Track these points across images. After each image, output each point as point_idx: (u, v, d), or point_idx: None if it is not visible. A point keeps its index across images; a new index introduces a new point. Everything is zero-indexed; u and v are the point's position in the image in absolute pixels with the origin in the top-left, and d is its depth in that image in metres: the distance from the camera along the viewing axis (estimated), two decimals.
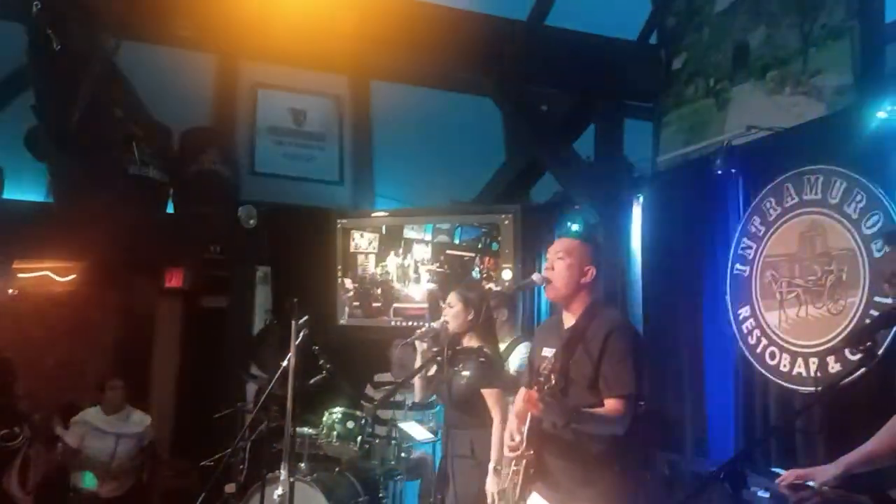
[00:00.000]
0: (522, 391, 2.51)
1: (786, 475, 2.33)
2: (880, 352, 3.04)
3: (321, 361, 3.92)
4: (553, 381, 2.43)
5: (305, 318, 3.43)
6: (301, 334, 3.37)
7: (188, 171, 5.89)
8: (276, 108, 7.02)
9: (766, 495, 2.10)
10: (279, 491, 2.66)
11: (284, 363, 3.21)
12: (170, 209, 5.94)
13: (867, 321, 3.07)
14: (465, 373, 3.11)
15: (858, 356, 2.12)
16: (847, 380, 3.11)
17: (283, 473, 2.70)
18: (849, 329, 3.23)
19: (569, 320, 2.72)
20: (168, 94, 6.17)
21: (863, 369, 2.15)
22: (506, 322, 4.22)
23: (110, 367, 5.70)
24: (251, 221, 5.72)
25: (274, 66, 6.90)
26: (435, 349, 3.25)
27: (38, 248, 5.55)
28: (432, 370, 3.47)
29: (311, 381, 3.85)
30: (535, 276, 2.87)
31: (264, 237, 5.85)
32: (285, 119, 7.03)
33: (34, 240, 5.33)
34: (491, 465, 3.17)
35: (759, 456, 3.55)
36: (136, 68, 5.95)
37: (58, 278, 5.87)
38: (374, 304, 5.87)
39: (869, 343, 2.10)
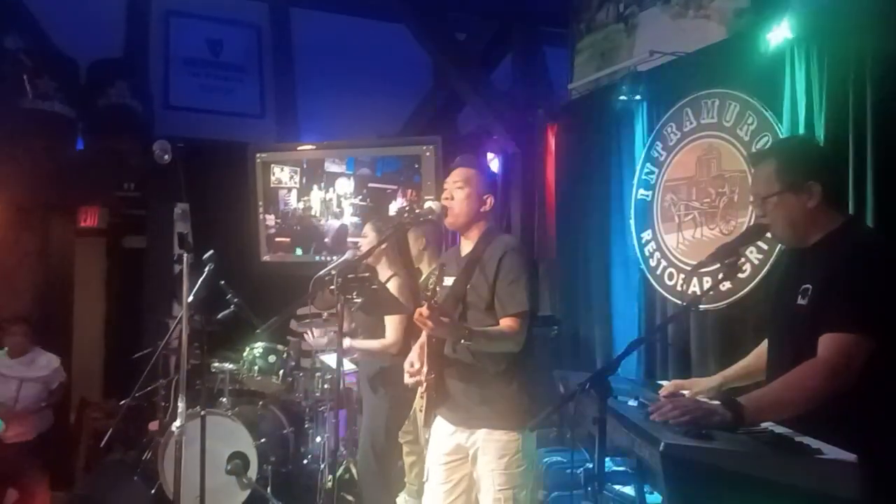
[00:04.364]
0: (416, 311, 2.54)
1: (667, 385, 2.44)
2: (762, 273, 3.19)
3: (228, 296, 3.90)
4: (438, 294, 2.46)
5: (210, 252, 3.40)
6: (206, 269, 3.34)
7: (97, 105, 5.65)
8: (191, 38, 6.74)
9: (635, 403, 2.19)
10: (177, 423, 2.68)
11: (189, 299, 3.18)
12: (81, 146, 5.73)
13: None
14: (357, 300, 3.15)
15: (723, 271, 2.20)
16: (734, 298, 3.30)
17: (181, 406, 2.72)
18: None
19: (467, 247, 2.76)
20: (74, 23, 5.87)
21: (728, 283, 2.23)
22: (425, 250, 4.25)
23: (32, 311, 5.54)
24: (166, 157, 5.52)
25: None
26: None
27: None
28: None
29: (219, 315, 3.84)
30: (434, 205, 2.86)
31: (181, 173, 5.68)
32: (201, 49, 6.78)
33: None
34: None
35: (658, 371, 3.75)
36: None
37: None
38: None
39: (732, 258, 2.18)
